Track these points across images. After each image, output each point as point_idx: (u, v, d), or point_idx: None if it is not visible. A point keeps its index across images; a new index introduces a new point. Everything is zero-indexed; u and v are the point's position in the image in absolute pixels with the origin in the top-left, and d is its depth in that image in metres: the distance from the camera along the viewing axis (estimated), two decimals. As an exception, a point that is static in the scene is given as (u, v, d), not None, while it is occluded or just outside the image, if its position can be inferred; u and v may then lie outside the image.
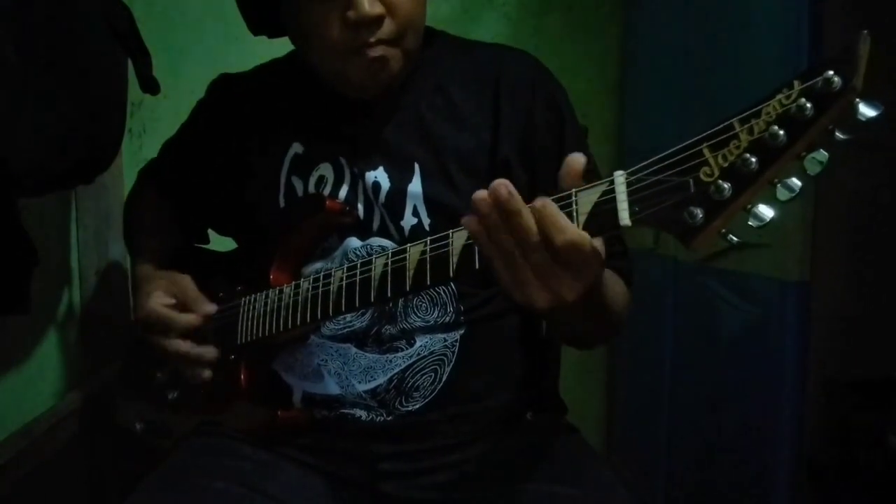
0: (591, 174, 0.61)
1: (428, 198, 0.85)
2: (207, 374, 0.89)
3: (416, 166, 0.86)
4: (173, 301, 0.91)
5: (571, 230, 0.58)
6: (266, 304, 0.85)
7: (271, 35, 0.92)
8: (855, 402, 1.16)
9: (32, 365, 1.33)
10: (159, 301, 0.90)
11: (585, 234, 0.58)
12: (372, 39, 0.80)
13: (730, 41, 1.34)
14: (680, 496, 1.53)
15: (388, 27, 0.80)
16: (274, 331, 0.84)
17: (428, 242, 0.68)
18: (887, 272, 1.17)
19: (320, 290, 0.78)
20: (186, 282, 0.92)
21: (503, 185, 0.59)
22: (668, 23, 1.57)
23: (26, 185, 1.00)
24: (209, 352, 0.88)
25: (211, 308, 0.90)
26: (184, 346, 0.89)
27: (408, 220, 0.85)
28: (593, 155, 0.92)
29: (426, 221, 0.85)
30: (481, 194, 0.60)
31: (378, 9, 0.78)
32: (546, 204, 0.59)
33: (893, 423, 1.10)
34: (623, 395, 1.82)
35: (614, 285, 0.81)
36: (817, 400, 1.19)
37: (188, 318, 0.89)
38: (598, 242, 0.61)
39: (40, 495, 1.21)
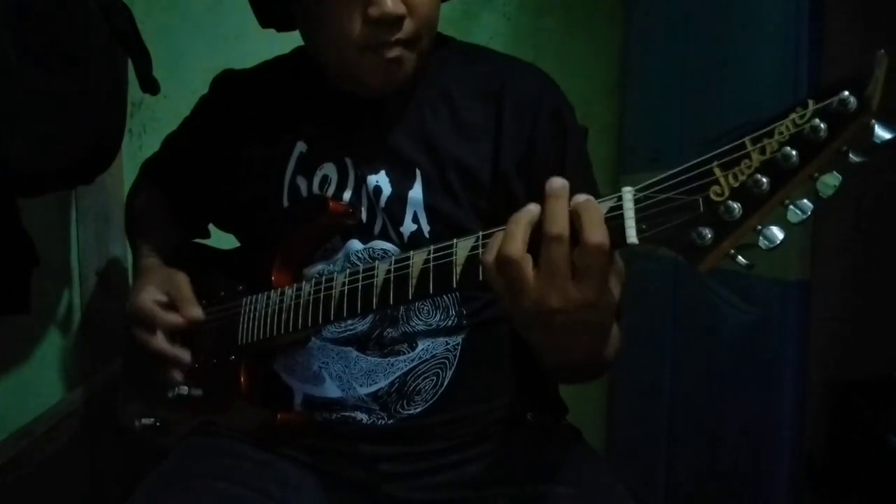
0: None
1: (428, 205, 0.84)
2: (179, 376, 0.89)
3: (418, 173, 0.85)
4: (165, 298, 0.91)
5: (606, 236, 0.57)
6: (267, 305, 0.85)
7: (280, 28, 0.91)
8: (855, 402, 1.16)
9: (32, 365, 1.34)
10: (149, 297, 0.90)
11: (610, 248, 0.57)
12: (391, 39, 0.78)
13: (730, 42, 1.34)
14: (680, 496, 1.53)
15: (407, 28, 0.79)
16: (274, 333, 0.83)
17: (431, 251, 0.68)
18: (887, 272, 1.17)
19: (322, 293, 0.78)
20: (182, 281, 0.91)
21: (562, 178, 0.60)
22: (668, 23, 1.57)
23: (26, 185, 1.00)
24: (182, 356, 0.88)
25: (197, 313, 0.90)
26: (162, 344, 0.89)
27: (408, 226, 0.85)
28: (592, 165, 0.92)
29: (426, 228, 0.84)
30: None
31: (400, 8, 0.76)
32: (591, 204, 0.58)
33: (893, 423, 1.10)
34: (623, 395, 1.82)
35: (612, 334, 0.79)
36: (817, 400, 1.19)
37: (172, 319, 0.89)
38: (616, 287, 0.61)
39: (40, 495, 1.21)
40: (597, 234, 0.57)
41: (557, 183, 0.60)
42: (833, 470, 1.17)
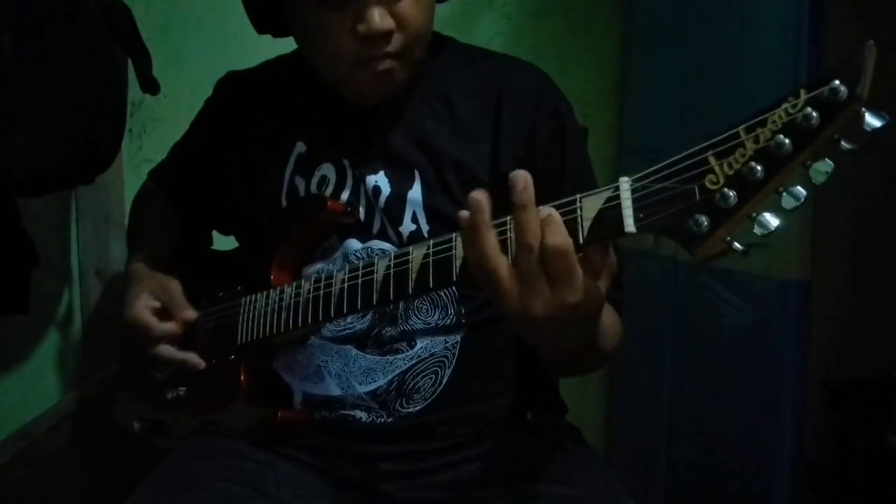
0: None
1: (427, 205, 0.85)
2: (197, 370, 0.89)
3: (417, 174, 0.85)
4: (158, 305, 0.91)
5: (566, 238, 0.58)
6: (266, 304, 0.85)
7: (276, 34, 0.91)
8: (855, 402, 1.16)
9: (32, 365, 1.34)
10: (144, 304, 0.90)
11: (573, 250, 0.58)
12: (380, 53, 0.78)
13: (730, 41, 1.34)
14: (680, 496, 1.53)
15: (396, 41, 0.79)
16: (274, 331, 0.84)
17: (431, 245, 0.68)
18: (887, 272, 1.17)
19: (321, 291, 0.78)
20: (173, 286, 0.92)
21: (522, 174, 0.59)
22: (668, 23, 1.57)
23: (26, 185, 1.01)
24: (192, 358, 0.89)
25: (192, 315, 0.90)
26: (167, 351, 0.89)
27: (407, 226, 0.85)
28: (592, 165, 0.92)
29: (425, 228, 0.85)
30: (477, 193, 0.60)
31: (389, 23, 0.77)
32: (553, 213, 0.59)
33: (893, 423, 1.10)
34: (623, 395, 1.82)
35: (606, 326, 0.79)
36: (817, 400, 1.18)
37: (168, 327, 0.89)
38: (603, 283, 0.61)
39: (40, 495, 1.21)
40: (554, 235, 0.57)
41: (523, 191, 0.59)
42: (833, 470, 1.17)
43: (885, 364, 1.15)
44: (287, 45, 0.98)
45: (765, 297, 1.25)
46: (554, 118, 0.87)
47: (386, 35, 0.77)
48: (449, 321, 0.85)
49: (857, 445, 1.15)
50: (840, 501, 1.17)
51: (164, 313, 0.91)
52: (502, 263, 0.60)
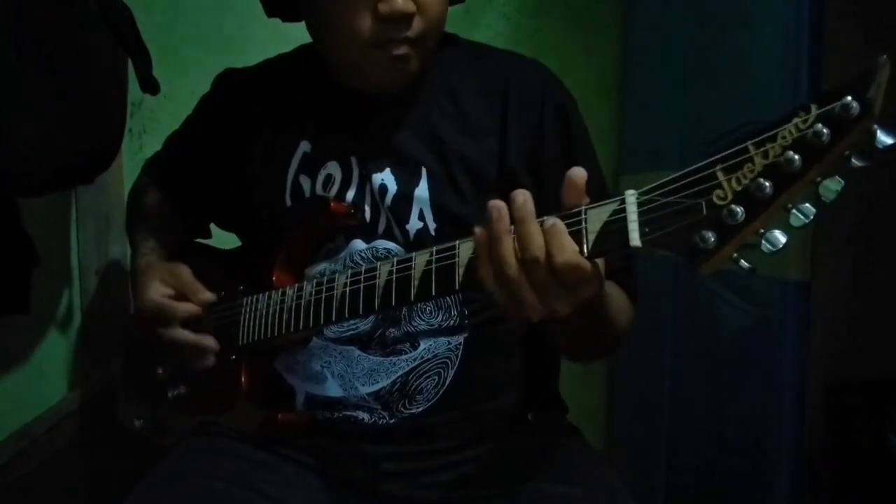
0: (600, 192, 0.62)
1: (434, 203, 0.85)
2: (209, 361, 0.88)
3: (424, 171, 0.85)
4: (172, 291, 0.91)
5: (571, 251, 0.59)
6: (268, 305, 0.85)
7: (286, 18, 0.91)
8: (855, 402, 1.16)
9: (32, 365, 1.33)
10: (158, 291, 0.90)
11: (584, 260, 0.59)
12: (399, 36, 0.79)
13: (730, 41, 1.34)
14: (680, 496, 1.53)
15: (416, 26, 0.79)
16: (275, 333, 0.83)
17: (434, 252, 0.68)
18: (887, 272, 1.17)
19: (323, 294, 0.78)
20: (184, 271, 0.92)
21: (521, 191, 0.61)
22: (668, 23, 1.57)
23: (27, 185, 1.00)
24: (208, 340, 0.88)
25: (210, 296, 0.90)
26: (184, 333, 0.88)
27: (413, 224, 0.85)
28: (598, 158, 0.92)
29: (431, 226, 0.85)
30: (496, 202, 0.61)
31: (411, 6, 0.78)
32: (556, 223, 0.60)
33: (893, 423, 1.10)
34: (623, 395, 1.82)
35: (617, 301, 0.80)
36: (817, 400, 1.18)
37: (187, 307, 0.89)
38: (599, 261, 0.62)
39: (40, 495, 1.21)
40: (562, 252, 0.59)
41: (522, 206, 0.61)
42: (833, 470, 1.17)
43: (886, 365, 1.15)
44: (288, 47, 0.98)
45: (765, 297, 1.24)
46: (559, 113, 0.87)
47: (407, 17, 0.78)
48: (452, 322, 0.85)
49: (857, 446, 1.15)
50: (840, 501, 1.17)
51: (179, 299, 0.90)
52: (520, 273, 0.60)
